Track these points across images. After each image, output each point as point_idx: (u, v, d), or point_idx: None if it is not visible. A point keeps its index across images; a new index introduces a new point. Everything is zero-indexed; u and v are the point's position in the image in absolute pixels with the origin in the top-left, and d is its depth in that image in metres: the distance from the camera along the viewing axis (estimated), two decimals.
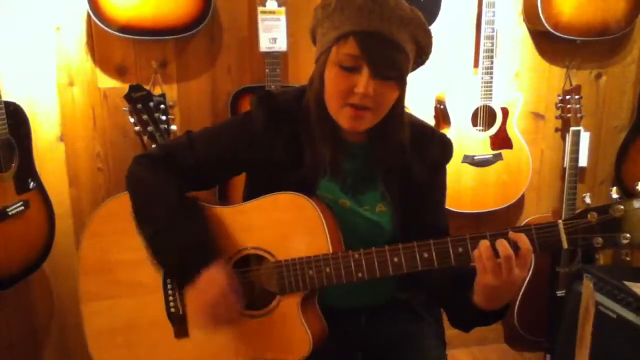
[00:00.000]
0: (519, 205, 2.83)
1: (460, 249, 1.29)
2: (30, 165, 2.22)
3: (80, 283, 1.54)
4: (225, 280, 1.35)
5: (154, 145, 2.05)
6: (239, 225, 1.44)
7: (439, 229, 1.53)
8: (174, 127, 2.18)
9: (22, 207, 2.15)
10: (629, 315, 1.98)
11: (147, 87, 2.15)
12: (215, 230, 1.43)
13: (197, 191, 1.52)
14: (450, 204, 2.47)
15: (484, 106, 2.55)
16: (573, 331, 2.15)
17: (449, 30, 2.60)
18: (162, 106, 2.11)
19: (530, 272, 2.66)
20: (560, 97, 2.65)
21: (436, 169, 1.55)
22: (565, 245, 1.23)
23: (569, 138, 2.63)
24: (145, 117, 2.09)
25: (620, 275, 2.10)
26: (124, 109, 2.14)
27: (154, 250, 1.43)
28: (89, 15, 2.26)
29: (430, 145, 1.52)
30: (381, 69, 1.29)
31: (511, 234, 1.24)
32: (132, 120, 2.12)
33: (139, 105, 2.09)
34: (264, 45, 2.31)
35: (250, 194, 1.50)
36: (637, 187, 1.21)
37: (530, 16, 2.61)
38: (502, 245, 1.22)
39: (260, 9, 2.30)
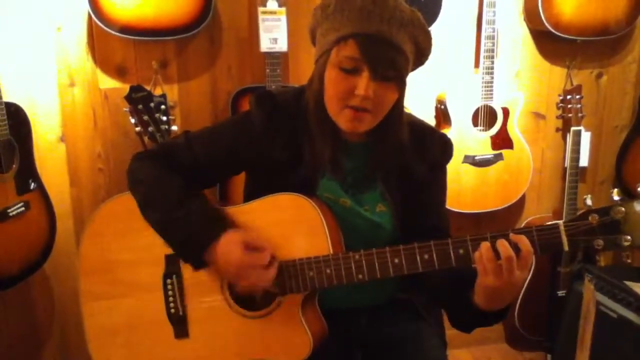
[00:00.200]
0: (519, 205, 2.83)
1: (461, 251, 1.29)
2: (31, 166, 2.22)
3: (81, 283, 1.54)
4: (242, 238, 1.34)
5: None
6: (239, 226, 1.44)
7: (439, 229, 1.53)
8: (174, 128, 2.19)
9: (23, 208, 2.15)
10: (630, 315, 1.98)
11: (147, 88, 2.16)
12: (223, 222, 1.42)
13: (197, 189, 1.52)
14: (451, 204, 2.47)
15: (484, 106, 2.55)
16: (574, 331, 2.15)
17: (449, 30, 2.60)
18: (163, 106, 2.11)
19: (530, 273, 2.66)
20: (561, 97, 2.65)
21: (436, 169, 1.55)
22: (566, 247, 1.23)
23: (569, 138, 2.63)
24: (146, 117, 2.09)
25: (620, 275, 2.10)
26: (125, 109, 2.14)
27: (166, 239, 1.41)
28: (89, 16, 2.26)
29: (430, 145, 1.52)
30: (381, 71, 1.29)
31: (512, 236, 1.24)
32: (132, 120, 2.12)
33: (140, 106, 2.09)
34: (265, 45, 2.31)
35: (251, 193, 1.51)
36: (638, 189, 1.21)
37: (531, 16, 2.61)
38: (503, 246, 1.22)
39: (260, 9, 2.30)
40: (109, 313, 1.52)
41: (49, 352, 2.58)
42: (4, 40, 2.26)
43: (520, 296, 2.73)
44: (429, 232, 1.43)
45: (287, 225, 1.41)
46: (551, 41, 2.66)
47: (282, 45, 2.32)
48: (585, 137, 2.74)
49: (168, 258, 1.48)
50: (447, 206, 1.63)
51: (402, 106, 1.43)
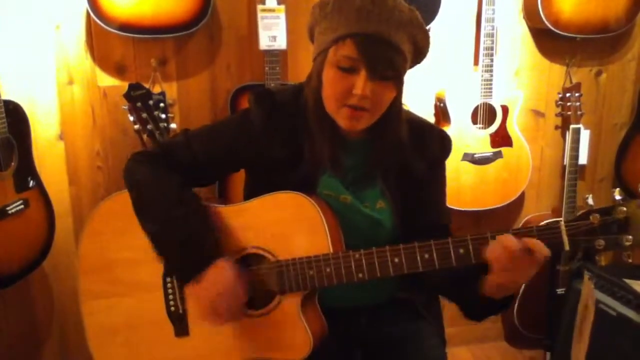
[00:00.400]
0: (519, 203, 2.83)
1: (461, 250, 1.29)
2: (29, 163, 2.21)
3: (80, 282, 1.54)
4: (232, 274, 1.35)
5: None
6: (239, 225, 1.44)
7: (440, 226, 1.53)
8: (173, 126, 2.18)
9: (22, 206, 2.15)
10: (629, 313, 1.97)
11: (146, 86, 2.15)
12: (216, 227, 1.42)
13: (195, 188, 1.52)
14: (450, 202, 2.44)
15: (484, 104, 2.54)
16: (573, 329, 2.15)
17: (449, 28, 2.60)
18: (162, 104, 2.10)
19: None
20: (560, 95, 2.65)
21: (435, 165, 1.55)
22: (567, 247, 1.23)
23: (569, 136, 2.63)
24: (144, 115, 2.08)
25: (620, 273, 2.10)
26: (124, 107, 2.14)
27: (157, 248, 1.41)
28: (88, 14, 2.26)
29: (429, 141, 1.52)
30: (379, 70, 1.30)
31: (527, 240, 1.23)
32: (131, 118, 2.11)
33: (139, 104, 2.08)
34: (264, 43, 2.30)
35: (250, 191, 1.51)
36: None
37: (530, 14, 2.61)
38: (520, 242, 1.22)
39: (259, 7, 2.30)
40: (109, 312, 1.52)
41: (48, 351, 2.58)
42: (3, 38, 2.26)
43: (520, 294, 2.73)
44: (430, 229, 1.44)
45: (287, 223, 1.41)
46: (550, 39, 2.66)
47: (281, 43, 2.31)
48: (585, 135, 2.74)
49: None
50: (447, 204, 1.62)
51: (400, 104, 1.43)
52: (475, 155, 2.58)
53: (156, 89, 2.34)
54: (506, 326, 2.99)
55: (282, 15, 2.30)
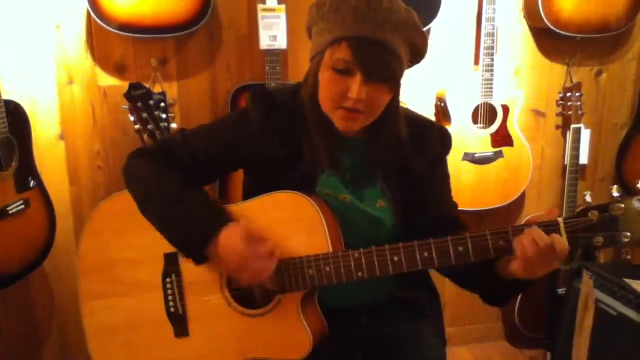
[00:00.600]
0: (519, 202, 2.83)
1: (460, 248, 1.29)
2: (30, 163, 2.21)
3: (80, 282, 1.54)
4: (243, 230, 1.34)
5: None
6: (238, 219, 1.43)
7: (450, 218, 1.53)
8: (174, 125, 2.18)
9: (22, 206, 2.15)
10: (629, 313, 1.98)
11: (147, 85, 2.15)
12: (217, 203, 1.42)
13: None
14: None
15: (484, 103, 2.54)
16: (573, 328, 2.15)
17: (449, 28, 2.60)
18: (162, 104, 2.10)
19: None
20: (560, 94, 2.65)
21: (436, 161, 1.55)
22: (566, 244, 1.23)
23: (569, 135, 2.63)
24: (145, 115, 2.08)
25: (620, 273, 2.10)
26: (124, 107, 2.14)
27: (166, 231, 1.40)
28: (88, 13, 2.26)
29: (428, 139, 1.52)
30: (374, 74, 1.29)
31: (551, 236, 1.23)
32: (132, 118, 2.11)
33: (139, 103, 2.08)
34: (264, 42, 2.30)
35: (249, 191, 1.50)
36: (638, 185, 1.21)
37: (531, 13, 2.61)
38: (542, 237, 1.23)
39: (260, 6, 2.30)
40: (109, 312, 1.51)
41: (48, 351, 2.58)
42: (3, 38, 2.26)
43: (520, 295, 2.73)
44: (441, 222, 1.45)
45: (286, 223, 1.41)
46: (551, 38, 2.66)
47: (281, 43, 2.31)
48: (585, 135, 2.74)
49: (167, 257, 1.48)
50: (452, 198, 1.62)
51: (397, 104, 1.43)
52: (475, 155, 2.58)
53: (156, 89, 2.34)
54: (507, 326, 2.99)
55: (283, 15, 2.30)
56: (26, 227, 2.19)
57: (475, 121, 2.56)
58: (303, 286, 1.38)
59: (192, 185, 1.44)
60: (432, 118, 2.66)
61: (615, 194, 1.22)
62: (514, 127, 2.61)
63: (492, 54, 2.48)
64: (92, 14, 2.20)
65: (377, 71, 1.29)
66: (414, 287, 1.60)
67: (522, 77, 2.74)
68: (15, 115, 2.13)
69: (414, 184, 1.49)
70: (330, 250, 1.37)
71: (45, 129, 2.38)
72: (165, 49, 2.42)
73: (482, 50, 2.48)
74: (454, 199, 1.60)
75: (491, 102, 2.54)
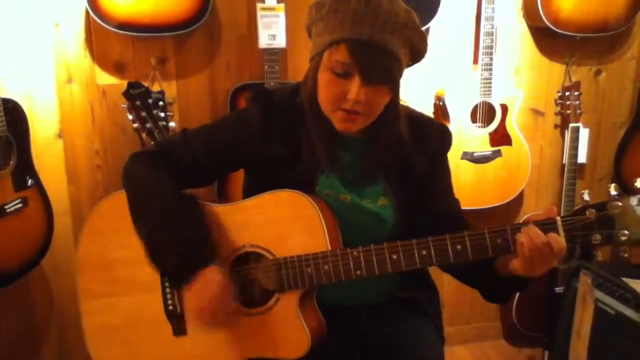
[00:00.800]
0: (518, 201, 2.83)
1: (459, 247, 1.29)
2: (28, 162, 2.21)
3: (79, 281, 1.54)
4: (221, 281, 1.35)
5: (152, 143, 2.05)
6: (237, 223, 1.44)
7: (452, 214, 1.54)
8: (172, 124, 2.18)
9: (20, 205, 2.15)
10: (628, 312, 1.98)
11: (145, 84, 2.15)
12: (211, 229, 1.41)
13: (194, 188, 1.52)
14: None
15: (483, 102, 2.54)
16: (572, 327, 2.15)
17: (448, 27, 2.60)
18: (161, 103, 2.10)
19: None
20: (559, 94, 2.65)
21: (437, 159, 1.55)
22: (564, 242, 1.23)
23: (568, 134, 2.63)
24: (143, 114, 2.08)
25: (618, 272, 2.10)
26: (123, 105, 2.14)
27: (150, 250, 1.40)
28: (87, 12, 2.26)
29: (429, 136, 1.52)
30: (373, 76, 1.29)
31: (548, 235, 1.23)
32: (130, 117, 2.11)
33: (138, 102, 2.08)
34: (263, 41, 2.30)
35: (249, 190, 1.50)
36: (636, 184, 1.21)
37: (530, 12, 2.61)
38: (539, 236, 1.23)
39: (259, 5, 2.30)
40: (108, 311, 1.52)
41: (47, 350, 2.58)
42: (2, 37, 2.26)
43: (518, 294, 2.73)
44: (443, 220, 1.46)
45: (285, 222, 1.41)
46: (550, 38, 2.66)
47: (280, 42, 2.31)
48: (584, 134, 2.74)
49: None
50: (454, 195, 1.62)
51: (397, 104, 1.43)
52: (474, 154, 2.58)
53: (155, 88, 2.34)
54: (505, 325, 2.99)
55: (282, 14, 2.30)
56: (24, 226, 2.19)
57: (474, 120, 2.56)
58: (302, 285, 1.38)
59: (185, 200, 1.43)
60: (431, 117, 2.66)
61: (613, 192, 1.22)
62: (513, 126, 2.61)
63: (491, 53, 2.48)
64: (91, 12, 2.19)
65: (376, 73, 1.29)
66: (414, 285, 1.60)
67: (521, 76, 2.74)
68: (14, 113, 2.13)
69: (415, 181, 1.49)
70: (329, 248, 1.37)
71: (43, 128, 2.38)
72: (164, 48, 2.42)
73: (481, 50, 2.48)
74: None
75: (490, 101, 2.55)
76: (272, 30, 2.30)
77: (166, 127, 2.12)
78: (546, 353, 2.73)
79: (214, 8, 2.40)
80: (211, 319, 1.38)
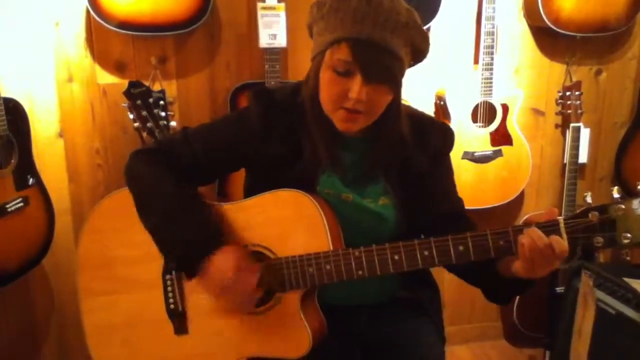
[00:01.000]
0: (518, 201, 2.83)
1: (461, 247, 1.29)
2: (29, 161, 2.21)
3: (80, 279, 1.54)
4: (241, 254, 1.34)
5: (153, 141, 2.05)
6: (239, 223, 1.44)
7: (455, 213, 1.54)
8: (173, 123, 2.18)
9: (22, 204, 2.15)
10: (629, 312, 1.98)
11: (146, 83, 2.15)
12: (217, 221, 1.41)
13: (194, 187, 1.52)
14: None
15: (484, 102, 2.54)
16: (572, 327, 2.15)
17: (449, 27, 2.60)
18: (162, 102, 2.10)
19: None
20: (560, 93, 2.65)
21: (439, 158, 1.55)
22: (566, 244, 1.23)
23: (569, 134, 2.63)
24: (144, 113, 2.08)
25: (619, 272, 2.10)
26: (123, 105, 2.13)
27: (160, 243, 1.40)
28: (88, 11, 2.26)
29: (430, 135, 1.52)
30: (374, 75, 1.29)
31: (551, 237, 1.23)
32: (131, 116, 2.11)
33: (138, 101, 2.08)
34: (264, 41, 2.30)
35: (250, 190, 1.50)
36: (639, 187, 1.21)
37: (531, 12, 2.61)
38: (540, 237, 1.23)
39: (259, 4, 2.30)
40: (108, 309, 1.52)
41: (47, 349, 2.58)
42: (3, 36, 2.26)
43: (522, 293, 2.73)
44: (445, 219, 1.46)
45: (286, 221, 1.41)
46: (551, 37, 2.66)
47: (281, 41, 2.31)
48: (585, 134, 2.74)
49: None
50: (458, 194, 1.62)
51: (398, 104, 1.42)
52: (475, 154, 2.58)
53: (156, 87, 2.34)
54: (506, 325, 2.99)
55: (282, 13, 2.30)
56: (25, 225, 2.19)
57: (474, 120, 2.56)
58: (303, 284, 1.38)
59: (189, 192, 1.43)
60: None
61: (616, 195, 1.22)
62: (514, 126, 2.61)
63: (492, 53, 2.48)
64: (91, 12, 2.19)
65: (377, 72, 1.29)
66: (416, 285, 1.60)
67: (521, 76, 2.74)
68: (15, 113, 2.13)
69: (416, 180, 1.49)
70: (331, 248, 1.37)
71: (44, 127, 2.38)
72: (164, 47, 2.42)
73: (481, 49, 2.48)
74: None
75: (491, 101, 2.54)
76: (273, 30, 2.30)
77: (167, 127, 2.12)
78: (547, 353, 2.73)
79: (214, 7, 2.39)
80: (238, 295, 1.35)
